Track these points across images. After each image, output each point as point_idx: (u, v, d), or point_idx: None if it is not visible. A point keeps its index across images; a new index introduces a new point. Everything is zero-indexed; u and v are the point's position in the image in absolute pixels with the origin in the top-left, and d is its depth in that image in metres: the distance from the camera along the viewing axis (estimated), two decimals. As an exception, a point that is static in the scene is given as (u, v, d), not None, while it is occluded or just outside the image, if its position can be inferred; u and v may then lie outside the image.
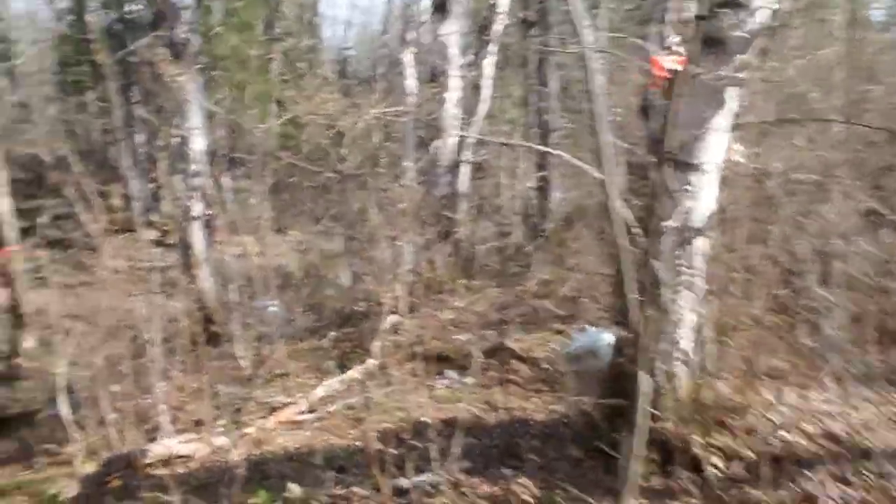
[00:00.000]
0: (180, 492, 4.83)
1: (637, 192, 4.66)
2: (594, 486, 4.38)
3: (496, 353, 6.99)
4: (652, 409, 4.39)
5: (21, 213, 16.61)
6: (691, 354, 4.41)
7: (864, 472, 4.11)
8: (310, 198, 16.03)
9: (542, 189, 10.93)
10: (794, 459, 4.28)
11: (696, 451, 4.37)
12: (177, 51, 9.24)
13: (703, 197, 4.24)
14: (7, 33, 24.98)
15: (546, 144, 10.89)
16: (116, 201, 19.72)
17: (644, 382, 4.12)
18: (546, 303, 8.05)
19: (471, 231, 9.85)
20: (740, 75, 4.01)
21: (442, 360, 7.21)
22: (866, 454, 4.26)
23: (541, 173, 10.72)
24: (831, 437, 4.55)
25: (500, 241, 10.85)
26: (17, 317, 12.78)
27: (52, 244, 18.58)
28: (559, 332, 7.42)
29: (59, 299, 15.10)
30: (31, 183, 21.33)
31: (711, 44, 3.99)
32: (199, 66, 9.58)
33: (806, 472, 4.19)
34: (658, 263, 4.27)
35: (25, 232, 17.70)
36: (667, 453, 4.39)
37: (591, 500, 4.16)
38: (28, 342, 12.88)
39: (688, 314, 4.44)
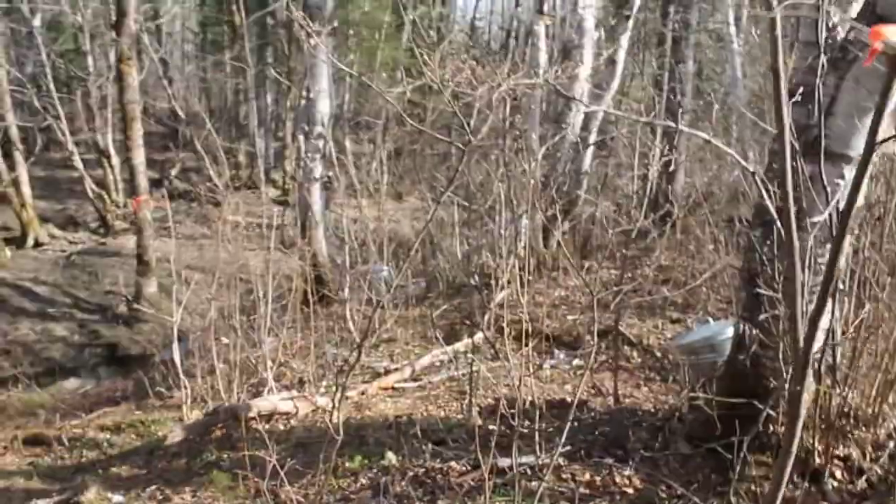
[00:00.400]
0: (279, 448, 4.90)
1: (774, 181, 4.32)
2: (700, 485, 4.16)
3: (607, 336, 6.74)
4: (772, 412, 4.16)
5: (153, 164, 17.39)
6: (821, 359, 4.10)
7: None
8: (431, 166, 16.08)
9: (669, 172, 10.53)
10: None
11: (818, 460, 4.08)
12: (311, 13, 9.29)
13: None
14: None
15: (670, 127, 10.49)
16: (242, 158, 20.35)
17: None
18: (664, 289, 7.72)
19: (591, 210, 9.58)
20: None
21: (551, 340, 7.05)
22: None
23: (668, 156, 10.32)
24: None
25: (620, 222, 10.53)
26: (142, 263, 13.40)
27: (180, 196, 19.36)
28: (675, 321, 7.12)
29: (182, 249, 15.78)
30: (166, 136, 22.28)
31: (883, 22, 3.64)
32: (331, 29, 9.62)
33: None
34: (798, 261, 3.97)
35: (156, 183, 18.58)
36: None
37: (696, 498, 3.93)
38: (150, 288, 13.49)
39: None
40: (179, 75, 24.37)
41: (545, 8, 9.13)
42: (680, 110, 10.78)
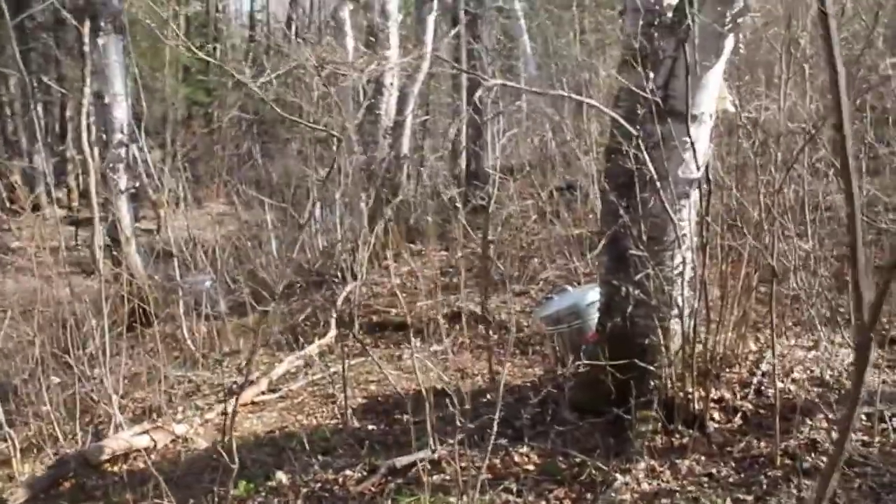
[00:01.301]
0: (144, 490, 4.50)
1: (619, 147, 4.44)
2: (594, 449, 4.25)
3: (457, 318, 6.75)
4: (649, 366, 4.31)
5: None
6: (686, 309, 4.28)
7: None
8: (228, 168, 15.46)
9: (476, 151, 10.72)
10: (790, 408, 4.23)
11: (697, 406, 4.28)
12: (96, 10, 8.56)
13: (699, 149, 4.08)
14: None
15: (470, 101, 10.68)
16: (17, 178, 18.59)
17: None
18: (498, 265, 7.84)
19: (412, 194, 9.58)
20: (739, 20, 3.85)
21: (401, 329, 6.96)
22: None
23: (477, 133, 10.53)
24: (820, 382, 4.54)
25: (436, 203, 10.61)
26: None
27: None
28: (519, 294, 7.25)
29: (-36, 285, 14.22)
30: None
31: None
32: (120, 26, 8.91)
33: (804, 419, 4.14)
34: (657, 219, 4.13)
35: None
36: (668, 411, 4.28)
37: (598, 463, 4.01)
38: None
39: (683, 268, 4.32)
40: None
41: (345, -8, 9.00)
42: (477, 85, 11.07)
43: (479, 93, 4.91)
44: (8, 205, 17.05)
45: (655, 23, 4.38)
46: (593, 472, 4.02)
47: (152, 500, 4.05)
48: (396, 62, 8.38)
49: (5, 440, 6.28)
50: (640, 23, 4.38)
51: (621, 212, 4.30)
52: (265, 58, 11.59)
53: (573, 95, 3.05)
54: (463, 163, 10.79)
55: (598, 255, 4.67)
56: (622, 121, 3.82)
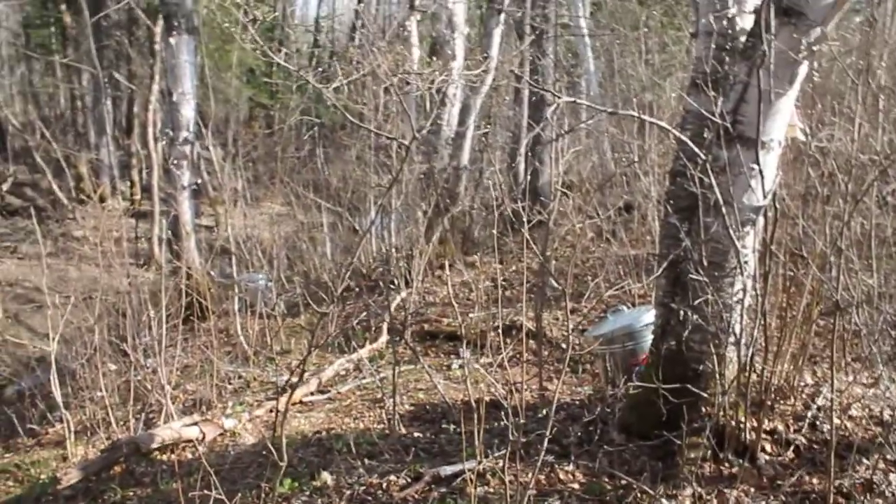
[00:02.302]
0: (192, 480, 4.57)
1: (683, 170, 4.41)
2: (641, 472, 4.20)
3: (509, 331, 6.75)
4: (702, 393, 4.25)
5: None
6: (743, 337, 4.22)
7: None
8: (288, 169, 15.67)
9: (536, 164, 10.70)
10: (845, 445, 4.14)
11: (749, 436, 4.21)
12: (169, 10, 8.78)
13: (767, 176, 4.03)
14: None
15: (538, 119, 10.70)
16: (84, 169, 19.11)
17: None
18: (551, 280, 7.81)
19: (469, 205, 9.60)
20: (815, 48, 3.79)
21: (452, 339, 6.98)
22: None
23: (534, 146, 10.52)
24: (880, 422, 4.43)
25: (492, 216, 10.62)
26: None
27: (15, 212, 17.99)
28: (573, 311, 7.20)
29: (27, 270, 14.65)
30: (-7, 148, 20.62)
31: (789, 14, 3.76)
32: (192, 27, 9.13)
33: (860, 457, 4.05)
34: (718, 245, 4.09)
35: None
36: (718, 438, 4.22)
37: (644, 487, 3.97)
38: (-6, 313, 12.44)
39: (741, 295, 4.26)
40: (1, 81, 22.64)
41: (416, 2, 9.07)
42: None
43: (550, 110, 4.91)
44: (75, 195, 17.62)
45: (727, 47, 4.36)
46: (639, 495, 3.98)
47: (200, 490, 4.11)
48: (463, 73, 8.43)
49: (61, 421, 6.47)
50: (712, 46, 4.37)
51: (682, 235, 4.27)
52: (332, 63, 11.77)
53: (644, 116, 3.04)
54: (521, 177, 10.78)
55: (656, 277, 4.63)
56: (690, 143, 3.79)
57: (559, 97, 2.90)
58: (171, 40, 8.85)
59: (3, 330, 12.19)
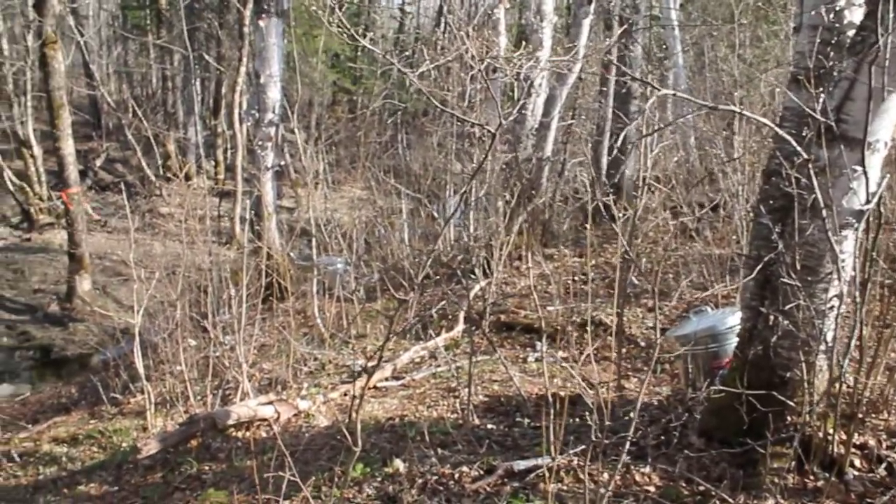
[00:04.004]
0: (266, 459, 4.62)
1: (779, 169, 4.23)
2: (720, 479, 4.07)
3: (587, 326, 6.62)
4: (789, 401, 4.09)
5: (78, 154, 16.57)
6: (836, 346, 4.04)
7: None
8: (370, 154, 15.80)
9: (616, 159, 10.51)
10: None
11: (837, 449, 4.03)
12: (260, -7, 8.91)
13: (871, 178, 3.83)
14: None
15: (624, 112, 10.49)
16: (171, 147, 19.63)
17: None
18: (633, 278, 7.66)
19: (550, 196, 9.48)
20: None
21: (529, 331, 6.90)
22: None
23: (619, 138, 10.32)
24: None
25: (574, 208, 10.48)
26: (74, 259, 12.76)
27: (106, 188, 18.58)
28: (651, 310, 7.05)
29: (116, 244, 15.12)
30: (86, 125, 21.32)
31: (902, 3, 3.55)
32: (282, 10, 9.23)
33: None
34: (814, 248, 3.91)
35: (80, 174, 17.76)
36: (804, 450, 4.05)
37: (724, 495, 3.84)
38: (84, 285, 12.86)
39: (836, 302, 4.07)
40: (99, 60, 23.37)
41: (504, -9, 8.99)
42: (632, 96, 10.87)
43: (650, 102, 4.76)
44: (162, 172, 18.09)
45: (833, 41, 4.16)
46: (717, 503, 3.85)
47: (274, 470, 4.15)
48: (553, 61, 8.30)
49: (142, 392, 6.64)
50: (817, 40, 4.17)
51: (774, 237, 4.11)
52: (418, 48, 11.77)
53: (746, 112, 2.91)
54: (605, 170, 10.61)
55: (744, 278, 4.47)
56: (793, 142, 3.62)
57: (658, 89, 2.79)
58: (261, 23, 8.95)
59: (91, 301, 12.64)
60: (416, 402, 5.67)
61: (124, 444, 6.15)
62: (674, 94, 3.28)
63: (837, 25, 4.13)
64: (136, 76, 23.44)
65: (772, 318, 4.11)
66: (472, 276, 7.48)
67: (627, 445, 3.43)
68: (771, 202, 4.27)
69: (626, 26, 9.72)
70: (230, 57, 17.75)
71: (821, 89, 3.90)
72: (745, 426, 4.07)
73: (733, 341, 4.69)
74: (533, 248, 8.79)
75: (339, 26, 4.94)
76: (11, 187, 16.32)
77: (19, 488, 5.76)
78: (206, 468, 5.06)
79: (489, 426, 4.98)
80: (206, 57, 17.46)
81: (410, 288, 8.82)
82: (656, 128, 7.69)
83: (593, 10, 8.93)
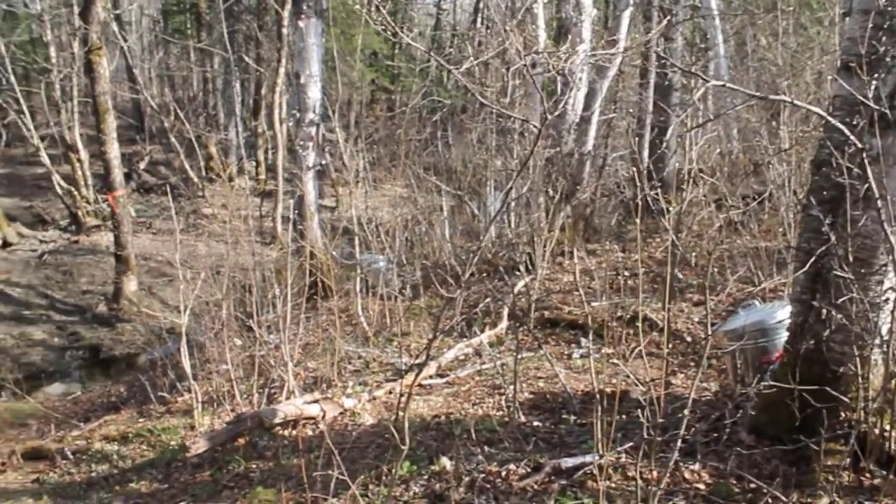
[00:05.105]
0: (313, 457, 4.64)
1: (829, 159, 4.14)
2: (772, 476, 3.99)
3: (632, 322, 6.56)
4: (843, 397, 4.00)
5: (122, 157, 16.84)
6: (891, 340, 3.94)
7: None
8: (410, 152, 15.80)
9: (659, 154, 10.39)
10: None
11: (894, 446, 3.93)
12: (298, -6, 8.95)
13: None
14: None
15: (666, 104, 10.35)
16: (213, 149, 19.86)
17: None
18: (679, 273, 7.57)
19: (592, 191, 9.39)
20: None
21: (573, 327, 6.85)
22: None
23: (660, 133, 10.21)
24: None
25: (616, 203, 10.39)
26: (121, 261, 12.97)
27: (150, 189, 18.85)
28: (697, 304, 6.96)
29: (161, 245, 15.35)
30: (130, 129, 21.66)
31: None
32: (320, 10, 9.27)
33: None
34: (867, 239, 3.82)
35: (125, 177, 18.06)
36: (859, 446, 3.96)
37: (776, 493, 3.76)
38: (131, 286, 13.08)
39: (891, 294, 3.97)
40: (141, 65, 23.75)
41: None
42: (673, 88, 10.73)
43: (698, 94, 4.69)
44: (205, 173, 18.31)
45: (885, 25, 4.05)
46: (770, 501, 3.78)
47: (322, 468, 4.16)
48: (594, 55, 8.22)
49: (189, 391, 6.72)
50: (868, 25, 4.07)
51: (825, 228, 4.01)
52: (458, 44, 11.74)
53: (798, 102, 2.84)
54: (646, 164, 10.49)
55: (794, 272, 4.38)
56: (846, 130, 3.53)
57: (706, 80, 2.73)
58: (300, 23, 8.99)
59: (138, 301, 12.84)
60: (462, 400, 5.66)
61: (173, 443, 6.23)
62: (723, 85, 3.21)
63: (890, 9, 4.02)
64: (178, 79, 23.77)
65: (824, 311, 4.02)
66: (516, 273, 7.43)
67: (679, 443, 3.37)
68: (821, 193, 4.18)
69: (667, 17, 9.58)
70: (269, 58, 17.93)
71: (873, 76, 3.80)
72: (797, 422, 3.99)
73: (783, 336, 4.60)
74: (576, 243, 8.72)
75: (381, 23, 4.94)
76: (60, 191, 16.64)
77: (73, 485, 5.87)
78: (254, 466, 5.11)
79: (535, 423, 4.95)
80: (246, 59, 17.64)
81: (457, 285, 8.82)
82: (702, 121, 7.56)
83: (633, 2, 8.83)
